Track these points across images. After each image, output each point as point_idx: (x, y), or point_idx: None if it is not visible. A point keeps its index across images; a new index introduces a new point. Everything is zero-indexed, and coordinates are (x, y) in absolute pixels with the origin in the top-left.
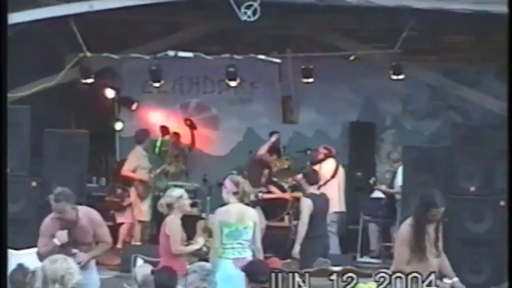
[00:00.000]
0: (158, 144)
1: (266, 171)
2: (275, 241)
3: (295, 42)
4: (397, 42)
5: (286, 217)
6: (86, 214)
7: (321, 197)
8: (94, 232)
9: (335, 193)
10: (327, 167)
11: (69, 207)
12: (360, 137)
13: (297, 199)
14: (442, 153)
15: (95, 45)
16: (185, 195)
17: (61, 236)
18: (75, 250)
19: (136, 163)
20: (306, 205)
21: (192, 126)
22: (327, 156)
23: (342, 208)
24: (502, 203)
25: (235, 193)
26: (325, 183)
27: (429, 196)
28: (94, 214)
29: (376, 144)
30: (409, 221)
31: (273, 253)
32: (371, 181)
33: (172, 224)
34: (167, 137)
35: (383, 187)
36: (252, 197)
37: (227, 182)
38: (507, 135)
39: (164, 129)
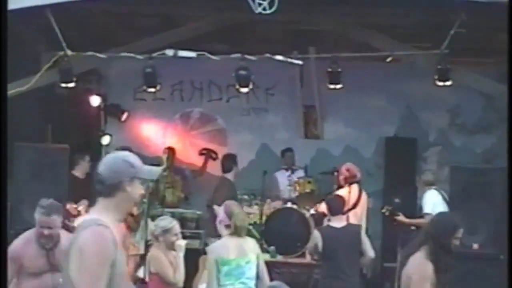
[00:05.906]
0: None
1: None
2: (294, 282)
3: (320, 40)
4: (444, 40)
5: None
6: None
7: (342, 231)
8: None
9: None
10: (351, 194)
11: (59, 221)
12: (399, 156)
13: None
14: (498, 176)
15: (78, 42)
16: (175, 229)
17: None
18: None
19: None
20: (312, 238)
21: (209, 157)
22: (347, 181)
23: None
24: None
25: (227, 226)
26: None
27: (451, 218)
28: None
29: (417, 164)
30: (421, 254)
31: None
32: (385, 210)
33: (156, 261)
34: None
35: (402, 218)
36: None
37: (220, 210)
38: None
39: (170, 152)
